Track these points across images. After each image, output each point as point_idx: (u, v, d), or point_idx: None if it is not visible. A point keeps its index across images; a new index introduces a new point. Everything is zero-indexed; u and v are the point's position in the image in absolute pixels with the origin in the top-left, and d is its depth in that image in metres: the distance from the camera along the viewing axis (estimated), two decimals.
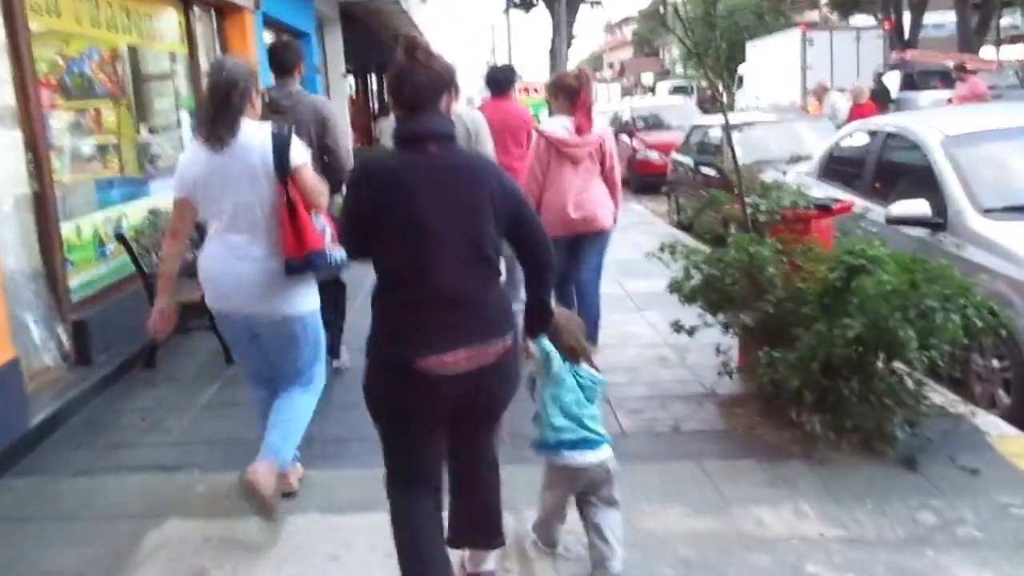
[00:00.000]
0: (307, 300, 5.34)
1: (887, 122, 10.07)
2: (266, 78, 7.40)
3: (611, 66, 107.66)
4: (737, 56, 46.80)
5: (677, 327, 7.38)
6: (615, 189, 8.13)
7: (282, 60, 7.68)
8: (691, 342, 7.59)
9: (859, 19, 43.44)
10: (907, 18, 39.51)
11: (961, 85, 22.28)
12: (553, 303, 4.39)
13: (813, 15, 50.29)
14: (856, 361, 6.03)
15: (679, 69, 73.73)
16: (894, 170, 9.50)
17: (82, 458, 6.83)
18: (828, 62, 34.58)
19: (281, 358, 5.45)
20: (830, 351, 5.93)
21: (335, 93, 21.24)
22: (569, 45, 24.27)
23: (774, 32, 42.36)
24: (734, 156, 7.73)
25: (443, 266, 3.72)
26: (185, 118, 12.26)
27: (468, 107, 10.09)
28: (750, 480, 5.91)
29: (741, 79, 43.19)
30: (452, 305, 3.75)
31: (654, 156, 22.51)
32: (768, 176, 12.73)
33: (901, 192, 8.55)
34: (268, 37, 16.34)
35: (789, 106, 33.06)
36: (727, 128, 8.29)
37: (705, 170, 15.54)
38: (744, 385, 7.34)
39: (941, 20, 42.19)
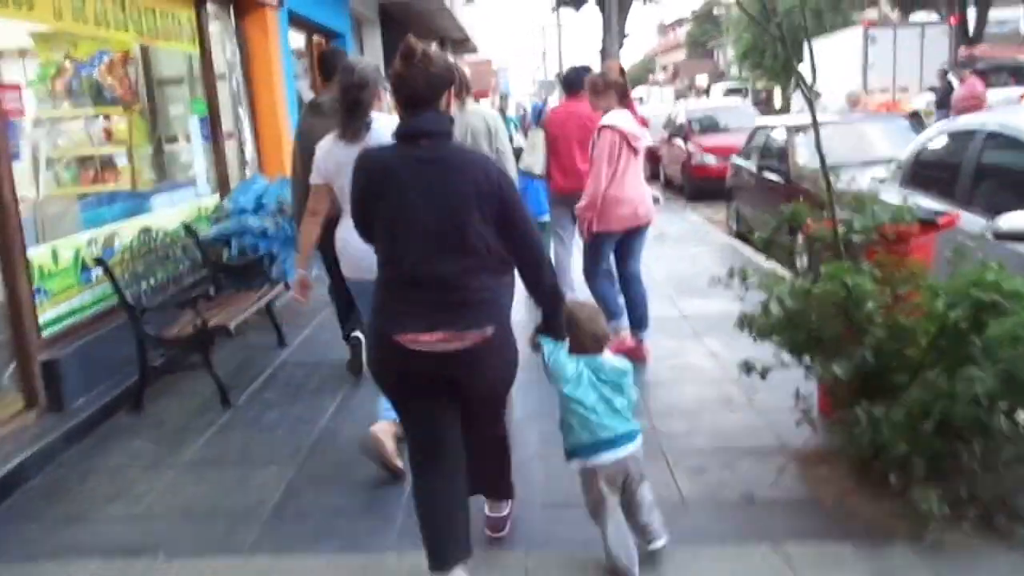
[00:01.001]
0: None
1: (986, 120, 8.65)
2: (289, 81, 9.29)
3: (664, 68, 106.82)
4: (795, 56, 45.47)
5: (747, 368, 6.12)
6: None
7: (329, 66, 7.90)
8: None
9: (920, 15, 41.87)
10: (971, 14, 37.89)
11: (961, 88, 20.92)
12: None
13: (872, 13, 48.68)
14: (980, 420, 4.71)
15: (734, 71, 72.59)
16: (998, 176, 8.13)
17: (30, 535, 5.66)
18: (891, 60, 33.26)
19: None
20: (948, 408, 4.68)
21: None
22: (620, 45, 23.01)
23: (832, 31, 40.97)
24: (823, 162, 6.40)
25: (424, 251, 4.02)
26: (195, 124, 11.09)
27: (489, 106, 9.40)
28: (845, 571, 4.69)
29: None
30: (431, 288, 4.03)
31: (710, 160, 21.22)
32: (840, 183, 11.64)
33: (1007, 202, 7.20)
34: (296, 37, 15.30)
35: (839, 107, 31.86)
36: (816, 128, 6.92)
37: (769, 176, 14.22)
38: (829, 437, 6.08)
39: (1005, 17, 40.68)
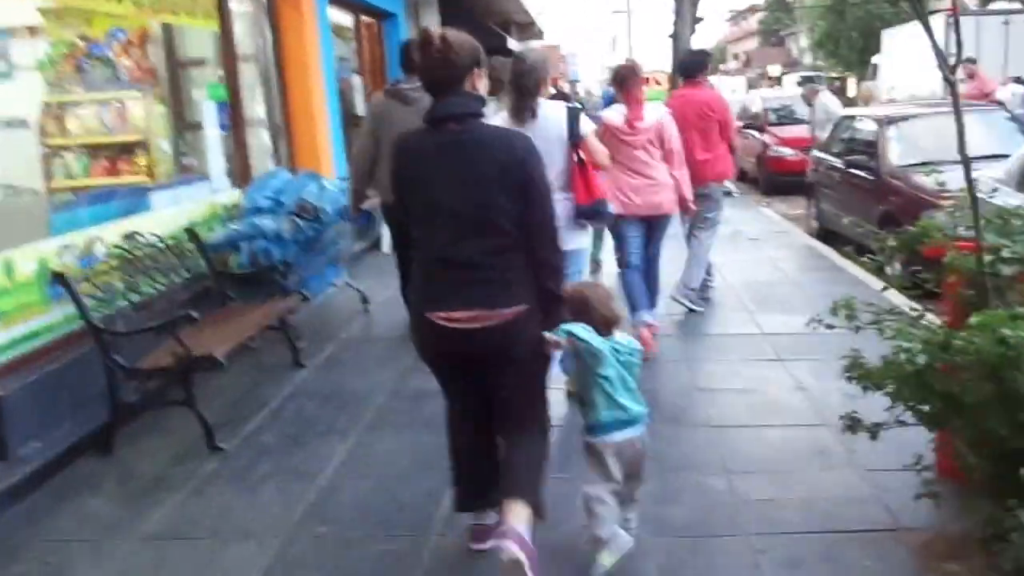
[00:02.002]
0: (582, 239, 6.66)
1: None
2: (328, 65, 9.62)
3: (736, 57, 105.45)
4: (870, 46, 44.26)
5: (851, 424, 4.80)
6: (677, 170, 8.11)
7: (409, 56, 8.22)
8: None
9: (1002, 3, 39.92)
10: None
11: (970, 84, 19.40)
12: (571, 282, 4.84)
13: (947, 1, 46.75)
14: None
15: (807, 59, 70.90)
16: None
17: None
18: (974, 50, 31.29)
19: None
20: None
21: None
22: (693, 31, 21.67)
23: (911, 21, 39.15)
24: (967, 167, 5.01)
25: (452, 233, 4.15)
26: (211, 111, 9.83)
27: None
28: None
29: (875, 69, 40.24)
30: (461, 268, 4.16)
31: (787, 153, 19.88)
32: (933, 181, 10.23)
33: None
34: (339, 16, 14.07)
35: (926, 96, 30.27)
36: (960, 124, 5.49)
37: (856, 172, 12.75)
38: (955, 514, 4.73)
39: None
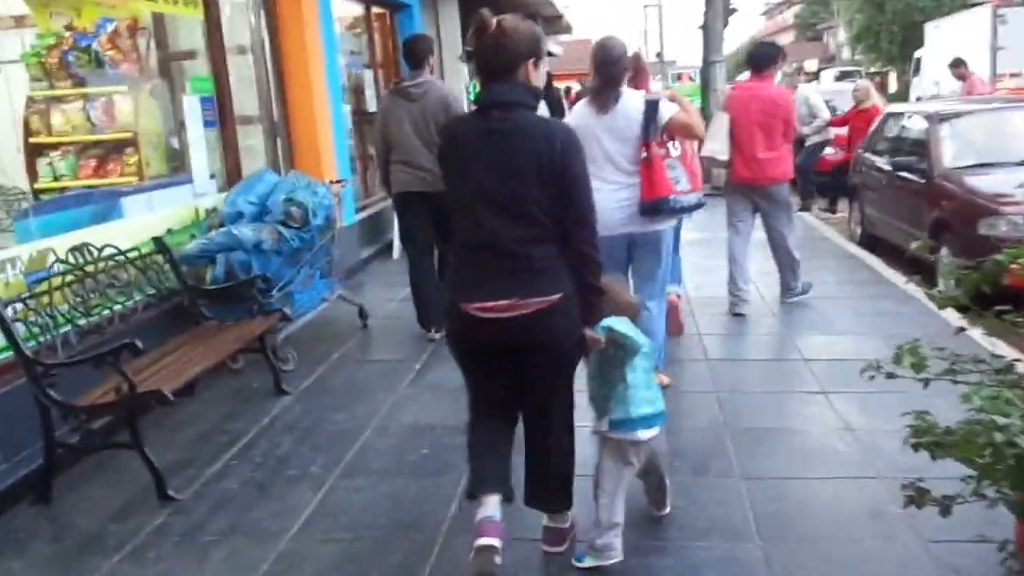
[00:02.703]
0: (664, 223, 6.62)
1: None
2: (331, 58, 9.65)
3: None
4: (912, 40, 43.22)
5: (914, 495, 3.87)
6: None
7: (413, 52, 8.59)
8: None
9: None
10: None
11: (960, 85, 18.44)
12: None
13: None
14: None
15: (845, 54, 69.75)
16: None
17: None
18: (1023, 42, 30.22)
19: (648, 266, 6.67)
20: None
21: (450, 78, 17.83)
22: (726, 24, 20.63)
23: (954, 13, 38.13)
24: None
25: (488, 220, 4.11)
26: (195, 107, 8.93)
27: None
28: None
29: (918, 64, 39.07)
30: (495, 256, 4.12)
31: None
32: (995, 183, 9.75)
33: None
34: (346, 7, 13.24)
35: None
36: None
37: (904, 174, 11.70)
38: None
39: None
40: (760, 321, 9.00)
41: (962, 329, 4.47)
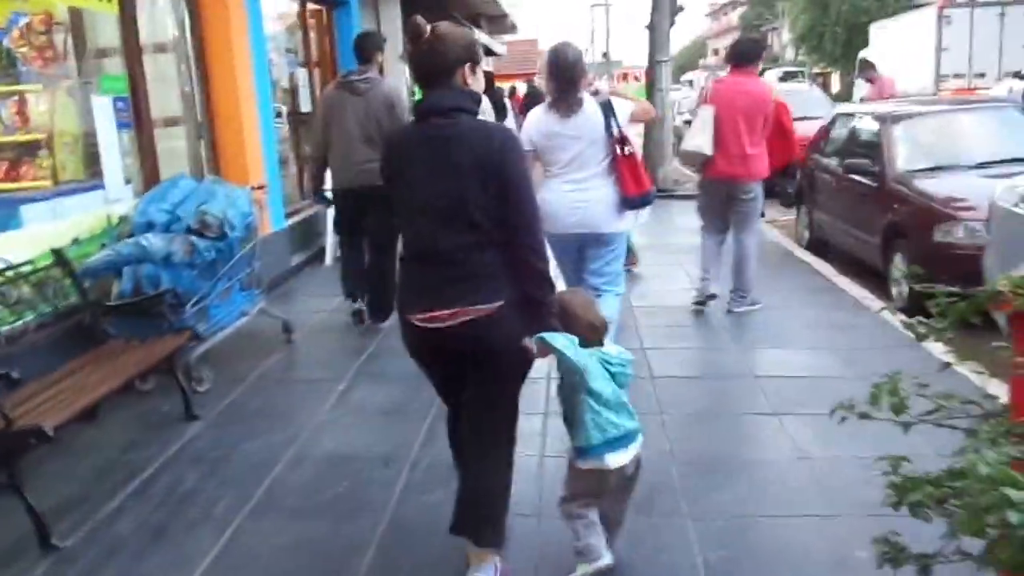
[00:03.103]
0: (626, 223, 6.90)
1: None
2: (260, 56, 9.76)
3: (715, 52, 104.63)
4: (855, 41, 43.26)
5: (892, 555, 3.34)
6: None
7: (361, 47, 8.80)
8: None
9: None
10: None
11: (869, 87, 18.86)
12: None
13: None
14: None
15: (789, 54, 69.94)
16: None
17: None
18: (967, 43, 30.52)
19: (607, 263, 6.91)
20: None
21: (390, 75, 17.23)
22: (672, 23, 20.22)
23: (899, 14, 38.17)
24: None
25: (430, 228, 4.06)
26: (107, 107, 8.32)
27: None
28: None
29: (862, 64, 38.96)
30: (437, 264, 4.07)
31: None
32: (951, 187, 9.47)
33: None
34: (276, 2, 12.68)
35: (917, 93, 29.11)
36: None
37: (855, 177, 11.25)
38: None
39: None
40: (708, 334, 8.55)
41: (947, 365, 3.94)
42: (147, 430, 6.64)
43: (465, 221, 4.00)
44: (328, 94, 8.94)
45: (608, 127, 6.58)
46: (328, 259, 12.17)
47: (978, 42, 30.28)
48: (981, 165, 9.96)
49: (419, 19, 4.07)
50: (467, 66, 4.13)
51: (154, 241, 7.05)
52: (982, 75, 30.15)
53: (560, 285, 5.93)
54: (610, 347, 4.34)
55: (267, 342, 8.53)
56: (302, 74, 14.01)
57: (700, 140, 8.90)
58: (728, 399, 6.86)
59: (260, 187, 8.82)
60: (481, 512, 4.37)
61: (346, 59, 14.73)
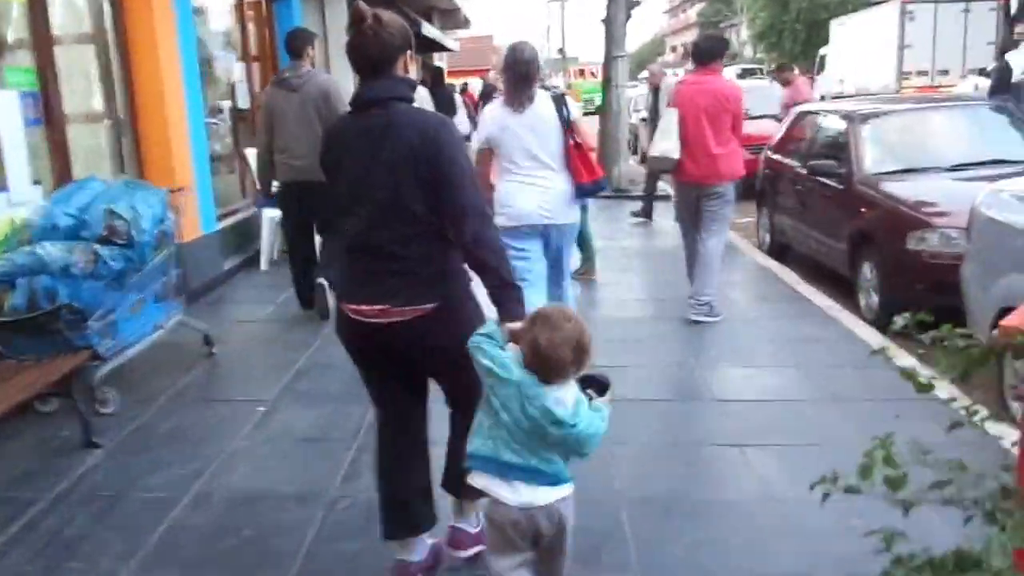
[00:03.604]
0: (576, 214, 7.03)
1: None
2: (188, 49, 9.36)
3: (674, 49, 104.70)
4: (815, 39, 43.18)
5: None
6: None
7: (291, 44, 8.93)
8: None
9: None
10: None
11: (785, 91, 17.64)
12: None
13: None
14: None
15: (748, 51, 69.82)
16: None
17: None
18: (931, 40, 30.41)
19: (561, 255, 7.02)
20: None
21: (339, 73, 16.60)
22: (628, 16, 19.68)
23: (858, 11, 38.03)
24: None
25: (367, 221, 3.91)
26: (11, 102, 7.62)
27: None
28: None
29: (822, 61, 38.86)
30: (374, 258, 3.93)
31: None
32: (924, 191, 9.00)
33: None
34: None
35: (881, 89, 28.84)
36: None
37: (820, 179, 10.63)
38: None
39: None
40: (664, 350, 7.92)
41: (957, 425, 3.31)
42: (42, 458, 5.96)
43: (403, 212, 3.88)
44: (266, 94, 9.10)
45: (561, 119, 6.66)
46: (264, 263, 11.50)
47: (941, 39, 30.23)
48: (956, 167, 9.43)
49: (362, 4, 3.87)
50: (408, 54, 4.02)
51: (51, 250, 6.37)
52: (945, 72, 30.07)
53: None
54: (556, 397, 3.40)
55: (187, 357, 7.86)
56: (239, 69, 13.37)
57: (667, 144, 8.65)
58: (686, 426, 6.26)
59: (179, 189, 8.07)
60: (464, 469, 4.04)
61: (284, 53, 14.24)
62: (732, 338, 8.19)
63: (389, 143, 3.86)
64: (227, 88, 13.11)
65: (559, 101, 6.77)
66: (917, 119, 10.83)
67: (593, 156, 6.92)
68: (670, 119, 8.72)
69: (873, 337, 8.10)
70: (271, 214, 11.18)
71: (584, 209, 9.05)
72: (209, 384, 7.48)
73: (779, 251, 12.24)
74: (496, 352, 3.50)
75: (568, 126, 6.69)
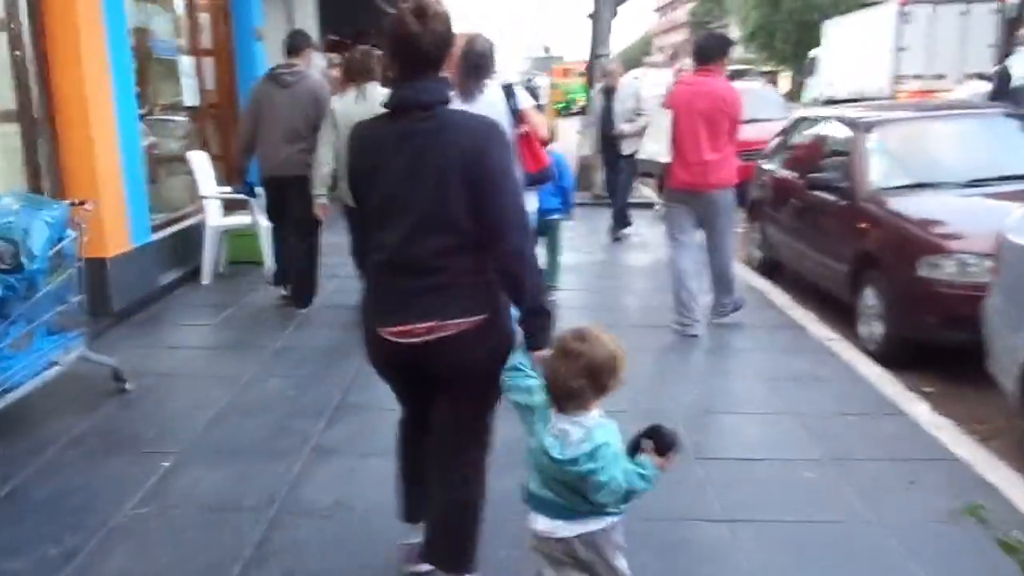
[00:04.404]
0: (530, 203, 6.93)
1: None
2: (117, 43, 8.97)
3: (661, 50, 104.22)
4: (806, 40, 42.71)
5: None
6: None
7: (289, 43, 9.28)
8: None
9: None
10: None
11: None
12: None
13: None
14: None
15: (739, 52, 69.53)
16: None
17: None
18: (928, 42, 29.40)
19: None
20: None
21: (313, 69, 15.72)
22: (614, 13, 19.01)
23: (852, 11, 37.42)
24: None
25: (403, 231, 3.69)
26: None
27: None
28: None
29: (814, 63, 38.22)
30: (413, 272, 3.72)
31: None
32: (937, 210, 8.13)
33: None
34: None
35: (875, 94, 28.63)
36: None
37: (819, 193, 9.56)
38: None
39: None
40: (638, 393, 6.66)
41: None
42: None
43: (446, 224, 3.67)
44: (257, 88, 9.27)
45: (510, 108, 6.88)
46: (206, 277, 10.47)
47: (939, 42, 29.33)
48: (972, 183, 8.47)
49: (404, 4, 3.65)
50: (451, 52, 3.80)
51: None
52: (942, 76, 29.03)
53: None
54: (574, 427, 3.29)
55: (93, 395, 6.80)
56: (185, 62, 12.36)
57: (656, 147, 8.45)
58: (664, 496, 5.20)
59: (81, 203, 6.98)
60: (450, 538, 4.07)
61: (243, 47, 13.57)
62: (718, 375, 7.33)
63: (438, 151, 3.64)
64: (173, 84, 12.13)
65: (507, 90, 7.01)
66: (928, 128, 9.76)
67: (542, 146, 7.12)
68: (662, 120, 8.42)
69: (876, 373, 7.19)
70: (214, 223, 10.46)
71: (555, 225, 9.36)
72: (110, 431, 6.34)
73: (770, 268, 11.28)
74: (523, 381, 3.50)
75: (517, 116, 6.90)
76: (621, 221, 13.53)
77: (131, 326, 8.66)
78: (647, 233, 13.31)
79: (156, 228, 10.20)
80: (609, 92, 13.79)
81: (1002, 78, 21.95)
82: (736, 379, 7.22)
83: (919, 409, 6.41)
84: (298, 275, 9.29)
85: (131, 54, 9.79)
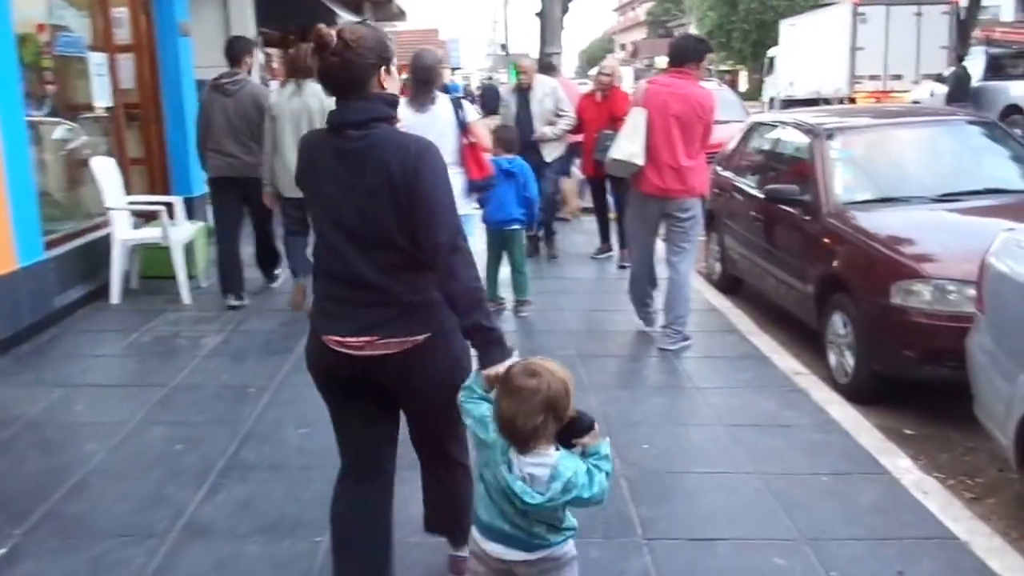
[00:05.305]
0: (470, 207, 8.24)
1: None
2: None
3: (623, 47, 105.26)
4: (764, 39, 42.59)
5: None
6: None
7: (229, 51, 9.71)
8: None
9: None
10: None
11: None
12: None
13: None
14: None
15: None
16: None
17: None
18: (883, 43, 29.44)
19: None
20: None
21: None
22: (565, 10, 18.43)
23: (807, 12, 37.59)
24: None
25: (345, 249, 3.71)
26: None
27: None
28: None
29: (771, 63, 38.13)
30: (353, 288, 3.71)
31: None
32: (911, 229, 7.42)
33: None
34: None
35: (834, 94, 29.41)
36: None
37: (780, 206, 8.65)
38: None
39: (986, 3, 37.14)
40: (583, 399, 5.93)
41: None
42: None
43: (383, 242, 3.65)
44: (204, 95, 9.93)
45: (457, 120, 7.78)
46: (115, 296, 9.54)
47: (894, 42, 29.47)
48: (944, 197, 7.74)
49: (322, 28, 3.64)
50: (383, 69, 3.75)
51: None
52: (899, 77, 29.44)
53: None
54: (540, 469, 3.20)
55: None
56: (95, 59, 11.32)
57: (632, 148, 7.93)
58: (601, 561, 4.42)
59: None
60: (455, 518, 4.21)
61: (167, 44, 12.85)
62: (675, 420, 6.51)
63: (369, 169, 3.63)
64: (82, 83, 11.20)
65: (456, 104, 7.91)
66: (897, 135, 8.90)
67: (486, 156, 8.04)
68: (637, 121, 7.97)
69: (849, 416, 6.43)
70: (122, 237, 9.60)
71: (516, 235, 9.25)
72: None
73: (731, 283, 10.50)
74: (476, 409, 3.42)
75: (463, 127, 7.80)
76: (548, 235, 12.56)
77: (13, 359, 7.72)
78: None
79: (53, 244, 9.25)
80: (523, 91, 12.10)
81: (961, 79, 21.81)
82: (693, 427, 6.36)
83: (901, 465, 5.55)
84: (263, 255, 10.48)
85: (16, 52, 8.83)
